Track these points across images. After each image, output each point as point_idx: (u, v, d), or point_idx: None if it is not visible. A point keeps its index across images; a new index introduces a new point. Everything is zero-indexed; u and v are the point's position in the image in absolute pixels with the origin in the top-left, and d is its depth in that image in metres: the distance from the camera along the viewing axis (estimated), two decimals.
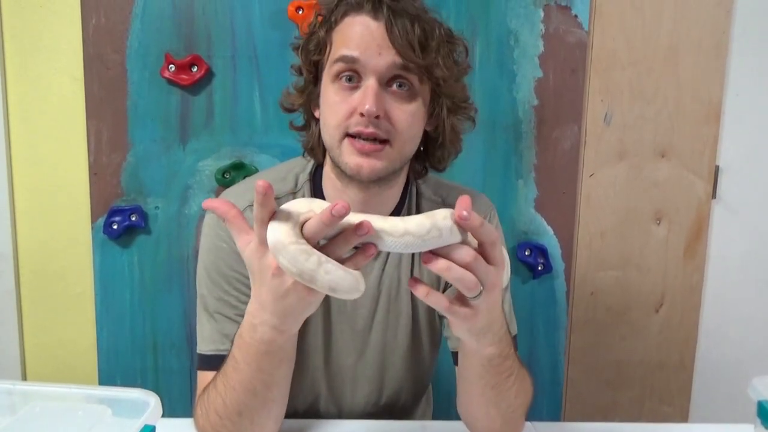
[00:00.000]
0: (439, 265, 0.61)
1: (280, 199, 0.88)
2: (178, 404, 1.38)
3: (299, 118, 0.95)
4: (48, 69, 1.36)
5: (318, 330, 0.93)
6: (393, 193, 0.92)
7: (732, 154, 1.49)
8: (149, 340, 1.44)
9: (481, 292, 0.63)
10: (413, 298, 0.95)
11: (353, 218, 0.61)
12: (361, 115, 0.79)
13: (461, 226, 0.60)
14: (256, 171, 1.37)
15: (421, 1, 0.86)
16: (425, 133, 0.89)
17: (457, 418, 0.91)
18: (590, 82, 1.43)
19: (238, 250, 0.86)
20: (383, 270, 0.94)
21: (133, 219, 1.38)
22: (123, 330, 1.43)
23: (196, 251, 0.92)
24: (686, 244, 1.52)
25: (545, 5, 1.38)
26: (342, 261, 0.62)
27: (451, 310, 0.65)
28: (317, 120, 0.90)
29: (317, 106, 0.89)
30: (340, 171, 0.85)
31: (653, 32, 1.43)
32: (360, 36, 0.81)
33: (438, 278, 0.93)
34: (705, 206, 1.51)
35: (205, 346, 0.88)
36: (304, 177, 0.94)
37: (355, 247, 0.62)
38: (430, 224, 0.60)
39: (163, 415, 0.67)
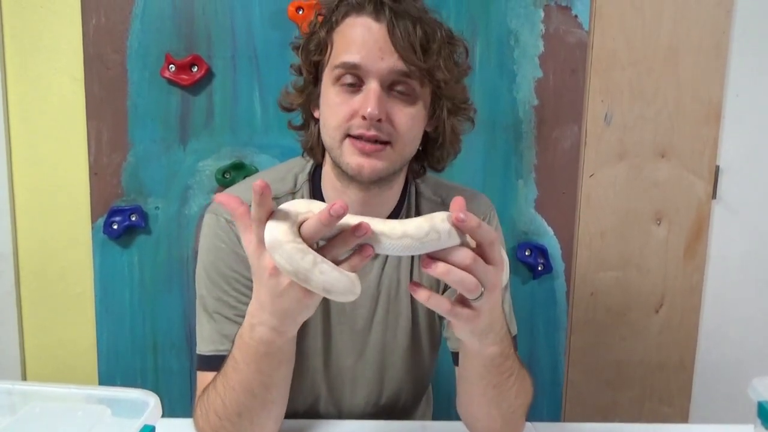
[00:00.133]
0: (439, 269, 0.60)
1: (279, 199, 0.88)
2: (177, 404, 1.38)
3: (297, 118, 0.95)
4: (48, 69, 1.36)
5: (317, 331, 0.93)
6: (393, 193, 0.92)
7: (732, 155, 1.49)
8: (149, 341, 1.44)
9: (482, 293, 0.63)
10: (413, 298, 0.95)
11: (352, 220, 0.60)
12: (363, 118, 0.79)
13: (459, 228, 0.60)
14: (256, 171, 1.37)
15: (422, 1, 0.86)
16: (425, 134, 0.89)
17: (457, 418, 0.91)
18: (590, 83, 1.43)
19: (237, 251, 0.87)
20: (382, 270, 0.94)
21: (133, 219, 1.38)
22: (123, 330, 1.43)
23: (195, 251, 0.92)
24: (686, 244, 1.52)
25: (545, 5, 1.38)
26: (339, 262, 0.61)
27: (454, 313, 0.64)
28: (316, 120, 0.90)
29: (317, 106, 0.89)
30: (340, 171, 0.85)
31: (653, 32, 1.43)
32: (362, 39, 0.81)
33: (438, 280, 0.93)
34: (705, 206, 1.51)
35: (204, 346, 0.88)
36: (303, 177, 0.94)
37: (353, 250, 0.62)
38: (429, 227, 0.60)
39: (163, 416, 0.67)
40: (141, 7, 1.32)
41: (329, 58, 0.84)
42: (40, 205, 1.41)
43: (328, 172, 0.91)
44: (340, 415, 0.99)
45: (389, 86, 0.81)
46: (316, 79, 0.88)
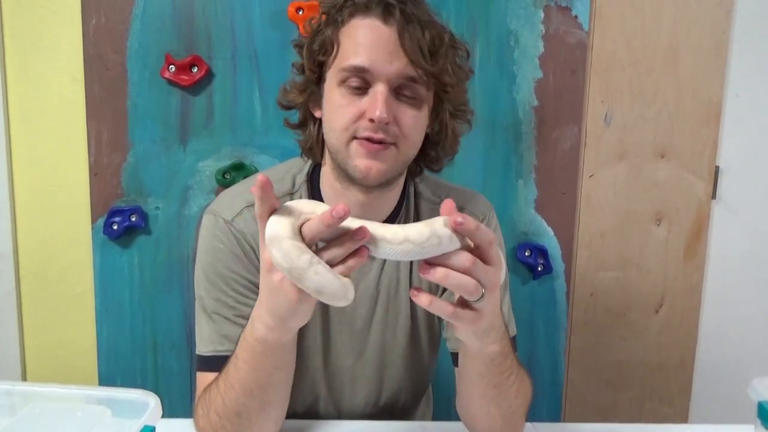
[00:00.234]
0: (438, 275, 0.60)
1: (277, 200, 0.88)
2: (177, 405, 1.38)
3: (294, 116, 0.94)
4: (48, 69, 1.36)
5: (316, 331, 0.93)
6: (393, 194, 0.92)
7: (732, 155, 1.49)
8: (149, 341, 1.44)
9: (483, 294, 0.63)
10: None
11: (352, 223, 0.61)
12: (371, 120, 0.79)
13: (457, 231, 0.60)
14: (256, 171, 1.37)
15: (426, 4, 0.86)
16: (425, 135, 0.89)
17: (457, 418, 0.91)
18: (590, 83, 1.43)
19: (235, 251, 0.87)
20: (382, 270, 0.94)
21: (133, 219, 1.38)
22: (123, 330, 1.43)
23: (195, 252, 0.92)
24: (686, 244, 1.52)
25: (545, 6, 1.38)
26: (335, 265, 0.61)
27: (456, 316, 0.64)
28: (315, 119, 0.90)
29: (317, 105, 0.89)
30: (342, 173, 0.85)
31: (653, 33, 1.43)
32: (371, 42, 0.80)
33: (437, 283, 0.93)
34: (705, 207, 1.51)
35: (203, 347, 0.88)
36: (301, 178, 0.94)
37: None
38: (430, 232, 0.60)
39: (163, 416, 0.67)
40: (141, 7, 1.32)
41: (335, 58, 0.83)
42: (40, 205, 1.41)
43: (327, 172, 0.91)
44: (340, 415, 0.99)
45: (395, 89, 0.81)
46: (319, 79, 0.87)
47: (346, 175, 0.85)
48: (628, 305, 1.54)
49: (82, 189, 1.39)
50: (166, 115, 1.37)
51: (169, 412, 0.71)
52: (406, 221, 0.95)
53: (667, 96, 1.45)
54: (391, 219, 0.93)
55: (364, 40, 0.81)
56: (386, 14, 0.81)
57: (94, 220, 1.39)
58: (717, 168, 1.50)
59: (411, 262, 0.94)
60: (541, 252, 1.46)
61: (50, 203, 1.40)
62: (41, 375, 1.46)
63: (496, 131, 1.42)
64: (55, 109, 1.37)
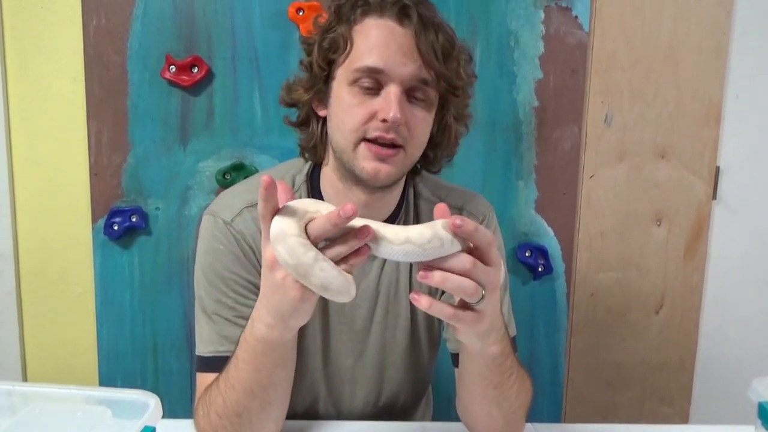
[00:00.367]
0: (436, 279, 0.60)
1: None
2: (178, 405, 1.38)
3: (294, 114, 0.94)
4: (48, 70, 1.36)
5: (316, 331, 0.93)
6: (394, 195, 0.92)
7: (732, 155, 1.49)
8: (149, 341, 1.44)
9: (483, 295, 0.63)
10: None
11: (356, 222, 0.61)
12: (383, 121, 0.79)
13: (456, 233, 0.60)
14: (257, 172, 1.37)
15: (436, 7, 0.86)
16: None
17: (457, 419, 0.91)
18: (590, 83, 1.43)
19: (234, 252, 0.87)
20: (382, 270, 0.94)
21: (134, 220, 1.38)
22: (123, 331, 1.43)
23: (195, 252, 0.92)
24: (686, 244, 1.52)
25: (546, 6, 1.38)
26: (336, 263, 0.62)
27: (457, 317, 0.64)
28: (319, 118, 0.90)
29: (322, 104, 0.88)
30: (346, 173, 0.85)
31: (653, 33, 1.43)
32: (386, 43, 0.80)
33: None
34: (705, 207, 1.51)
35: (203, 347, 0.88)
36: (301, 178, 0.93)
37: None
38: (431, 234, 0.60)
39: (163, 416, 0.67)
40: (141, 8, 1.32)
41: (346, 57, 0.83)
42: (40, 206, 1.41)
43: (328, 172, 0.91)
44: (339, 415, 0.99)
45: (406, 91, 0.82)
46: (327, 77, 0.86)
47: (351, 175, 0.85)
48: (628, 305, 1.54)
49: (82, 189, 1.39)
50: (166, 116, 1.37)
51: (169, 412, 0.71)
52: (405, 222, 0.95)
53: (668, 96, 1.45)
54: (391, 219, 0.93)
55: (379, 41, 0.81)
56: (402, 16, 0.81)
57: (94, 221, 1.39)
58: (717, 168, 1.50)
59: (410, 264, 0.94)
60: (542, 252, 1.46)
61: (50, 203, 1.41)
62: (41, 375, 1.46)
63: (497, 131, 1.42)
64: (56, 109, 1.37)
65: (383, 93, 0.81)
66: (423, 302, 0.62)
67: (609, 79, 1.44)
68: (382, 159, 0.81)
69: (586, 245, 1.50)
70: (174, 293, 1.42)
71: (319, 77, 0.86)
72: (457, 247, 0.61)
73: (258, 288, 0.72)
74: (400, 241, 0.61)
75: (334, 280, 0.61)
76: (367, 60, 0.80)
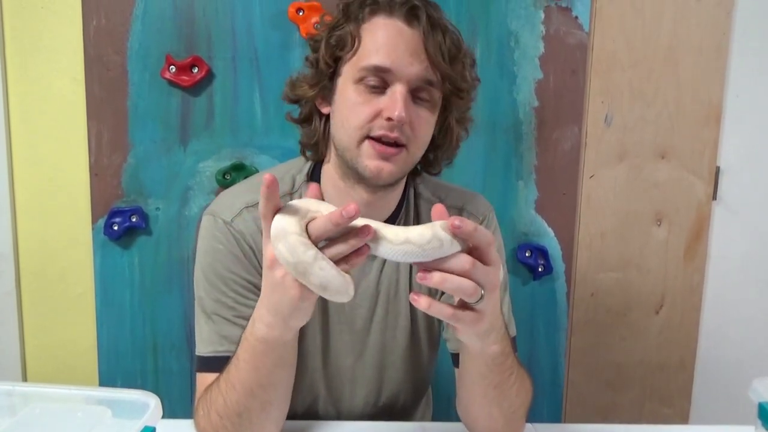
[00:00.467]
0: (434, 280, 0.60)
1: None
2: (178, 405, 1.38)
3: (296, 111, 0.94)
4: (49, 70, 1.36)
5: (316, 331, 0.93)
6: (395, 195, 0.92)
7: (732, 155, 1.49)
8: (149, 341, 1.44)
9: (482, 295, 0.63)
10: None
11: (356, 222, 0.61)
12: (388, 119, 0.80)
13: (456, 234, 0.60)
14: (257, 172, 1.37)
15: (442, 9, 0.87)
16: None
17: (457, 419, 0.91)
18: (590, 84, 1.43)
19: (234, 252, 0.87)
20: (381, 271, 0.94)
21: (134, 220, 1.38)
22: (123, 331, 1.43)
23: (195, 252, 0.92)
24: (686, 245, 1.52)
25: (546, 6, 1.38)
26: (336, 262, 0.62)
27: (456, 318, 0.64)
28: (322, 115, 0.90)
29: (326, 101, 0.88)
30: (348, 171, 0.86)
31: (653, 33, 1.43)
32: (394, 43, 0.81)
33: None
34: (705, 207, 1.51)
35: (203, 347, 0.88)
36: (301, 178, 0.93)
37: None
38: (431, 234, 0.60)
39: (163, 417, 0.67)
40: (141, 8, 1.32)
41: (353, 54, 0.83)
42: (40, 206, 1.41)
43: (330, 171, 0.91)
44: (339, 415, 0.99)
45: (412, 91, 0.82)
46: (333, 74, 0.86)
47: (353, 173, 0.85)
48: (628, 306, 1.54)
49: (82, 189, 1.39)
50: (166, 116, 1.37)
51: (169, 412, 0.71)
52: (406, 221, 0.95)
53: (668, 96, 1.45)
54: (392, 219, 0.93)
55: (388, 41, 0.81)
56: (411, 17, 0.82)
57: (94, 221, 1.39)
58: (717, 168, 1.50)
59: (410, 264, 0.94)
60: (542, 252, 1.46)
61: (51, 203, 1.41)
62: (41, 375, 1.46)
63: (497, 132, 1.42)
64: (56, 109, 1.37)
65: (389, 92, 0.81)
66: (422, 303, 0.62)
67: (609, 79, 1.44)
68: (385, 157, 0.82)
69: (586, 245, 1.50)
70: (174, 293, 1.42)
71: (325, 74, 0.86)
72: (457, 247, 0.61)
73: (258, 288, 0.72)
74: (400, 241, 0.61)
75: (333, 280, 0.61)
76: (375, 59, 0.81)
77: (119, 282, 1.42)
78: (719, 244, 1.53)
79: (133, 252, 1.41)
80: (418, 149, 0.86)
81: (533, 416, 0.90)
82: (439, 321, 0.99)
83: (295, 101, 0.92)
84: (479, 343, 0.73)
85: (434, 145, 0.91)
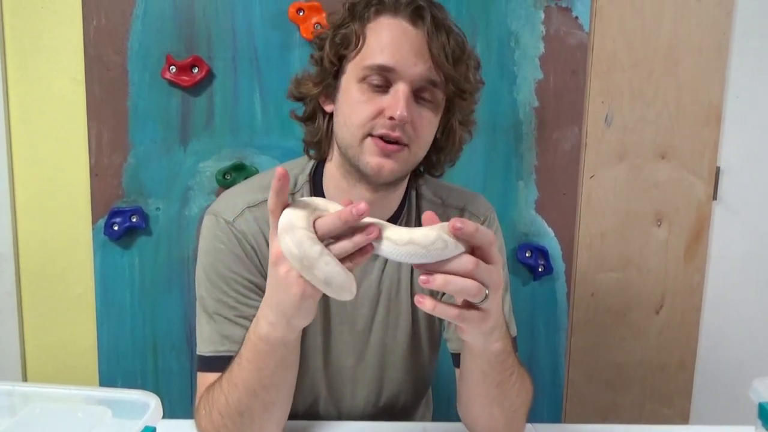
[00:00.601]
0: (438, 282, 0.61)
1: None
2: (178, 405, 1.38)
3: (300, 109, 0.94)
4: (49, 70, 1.36)
5: (317, 331, 0.93)
6: (397, 194, 0.92)
7: (732, 156, 1.49)
8: (149, 341, 1.44)
9: (486, 294, 0.63)
10: (413, 298, 0.96)
11: (362, 222, 0.62)
12: (391, 118, 0.80)
13: (457, 236, 0.61)
14: (257, 172, 1.37)
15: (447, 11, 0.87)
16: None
17: (457, 419, 0.91)
18: (591, 84, 1.43)
19: (236, 252, 0.87)
20: (383, 270, 0.94)
21: (134, 220, 1.38)
22: (123, 331, 1.43)
23: (196, 252, 0.92)
24: (687, 245, 1.52)
25: (546, 7, 1.38)
26: (340, 260, 0.62)
27: (462, 317, 0.65)
28: (325, 113, 0.90)
29: (330, 99, 0.89)
30: (350, 170, 0.86)
31: (653, 34, 1.43)
32: (398, 43, 0.81)
33: None
34: (705, 207, 1.51)
35: (204, 347, 0.88)
36: (303, 178, 0.94)
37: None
38: (436, 236, 0.60)
39: (164, 417, 0.67)
40: (142, 8, 1.32)
41: (358, 53, 0.83)
42: (40, 206, 1.41)
43: (332, 170, 0.91)
44: (340, 415, 1.00)
45: (415, 91, 0.82)
46: (337, 72, 0.87)
47: (355, 171, 0.85)
48: (628, 306, 1.54)
49: (82, 189, 1.39)
50: (166, 116, 1.37)
51: (169, 412, 0.71)
52: (407, 222, 0.95)
53: (668, 97, 1.45)
54: (393, 219, 0.93)
55: (392, 40, 0.81)
56: (415, 17, 0.82)
57: (94, 221, 1.39)
58: (717, 169, 1.50)
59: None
60: (542, 253, 1.46)
61: (51, 203, 1.41)
62: (42, 375, 1.46)
63: (497, 132, 1.42)
64: (56, 109, 1.37)
65: (392, 91, 0.81)
66: (427, 304, 0.62)
67: (609, 79, 1.44)
68: (386, 155, 0.82)
69: (586, 245, 1.50)
70: (174, 293, 1.42)
71: (329, 72, 0.87)
72: (461, 249, 0.61)
73: (259, 288, 0.72)
74: (404, 241, 0.61)
75: (337, 276, 0.61)
76: (379, 58, 0.81)
77: (119, 282, 1.42)
78: (719, 244, 1.53)
79: (134, 252, 1.41)
80: (419, 149, 0.86)
81: (533, 416, 0.90)
82: (440, 321, 0.99)
83: (299, 99, 0.93)
84: (483, 341, 0.73)
85: (437, 146, 0.91)
